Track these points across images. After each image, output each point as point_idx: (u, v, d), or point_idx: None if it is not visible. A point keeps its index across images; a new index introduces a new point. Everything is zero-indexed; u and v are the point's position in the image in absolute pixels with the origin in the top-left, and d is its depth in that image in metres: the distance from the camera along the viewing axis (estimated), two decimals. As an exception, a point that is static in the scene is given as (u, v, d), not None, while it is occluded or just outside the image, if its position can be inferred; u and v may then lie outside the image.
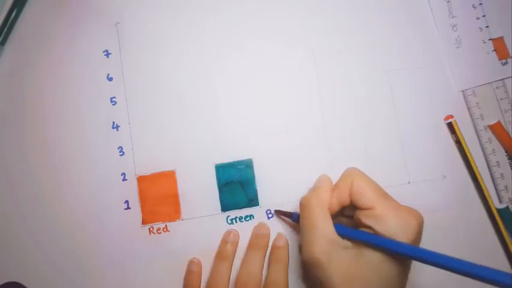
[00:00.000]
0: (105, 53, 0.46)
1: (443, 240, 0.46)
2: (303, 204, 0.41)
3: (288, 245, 0.45)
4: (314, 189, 0.42)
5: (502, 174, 0.47)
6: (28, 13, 0.47)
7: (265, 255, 0.45)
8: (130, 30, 0.46)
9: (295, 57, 0.47)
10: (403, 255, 0.37)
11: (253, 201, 0.46)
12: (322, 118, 0.47)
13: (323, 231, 0.39)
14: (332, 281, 0.37)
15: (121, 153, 0.45)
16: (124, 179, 0.45)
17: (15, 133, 0.45)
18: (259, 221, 0.45)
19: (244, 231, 0.45)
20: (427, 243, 0.43)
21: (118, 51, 0.46)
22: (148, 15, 0.47)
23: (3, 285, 0.43)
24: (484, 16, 0.48)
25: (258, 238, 0.45)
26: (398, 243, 0.37)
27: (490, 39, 0.48)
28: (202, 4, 0.47)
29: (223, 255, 0.44)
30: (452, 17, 0.48)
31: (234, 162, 0.46)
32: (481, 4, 0.48)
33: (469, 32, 0.48)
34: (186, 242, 0.45)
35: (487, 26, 0.48)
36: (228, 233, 0.45)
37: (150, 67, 0.46)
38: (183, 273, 0.44)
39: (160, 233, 0.45)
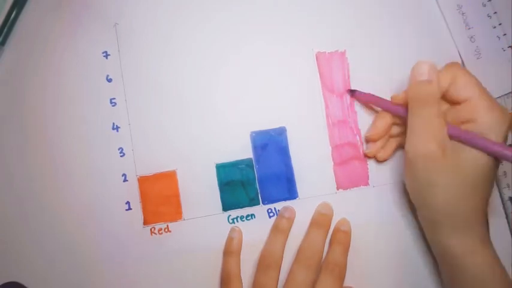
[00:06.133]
0: (104, 54, 0.46)
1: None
2: (417, 98, 0.41)
3: (351, 231, 0.45)
4: (429, 82, 0.40)
5: (504, 172, 0.47)
6: (28, 13, 0.47)
7: (327, 234, 0.45)
8: (129, 31, 0.46)
9: (295, 56, 0.47)
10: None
11: (254, 201, 0.45)
12: (322, 116, 0.47)
13: (439, 127, 0.40)
14: (436, 177, 0.39)
15: (121, 154, 0.45)
16: (125, 180, 0.45)
17: (15, 134, 0.45)
18: (260, 220, 0.45)
19: (246, 231, 0.45)
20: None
21: (117, 52, 0.46)
22: (146, 15, 0.47)
23: (3, 285, 0.43)
24: (500, 24, 0.48)
25: (321, 217, 0.45)
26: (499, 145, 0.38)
27: (509, 47, 0.48)
28: (201, 4, 0.47)
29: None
30: (469, 28, 0.48)
31: (235, 161, 0.46)
32: (495, 13, 0.48)
33: (488, 42, 0.48)
34: (187, 242, 0.45)
35: (505, 34, 0.48)
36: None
37: (150, 67, 0.46)
38: (185, 273, 0.45)
39: (161, 233, 0.45)
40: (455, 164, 0.39)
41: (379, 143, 0.46)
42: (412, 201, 0.43)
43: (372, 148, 0.46)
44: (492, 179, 0.41)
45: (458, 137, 0.40)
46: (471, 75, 0.41)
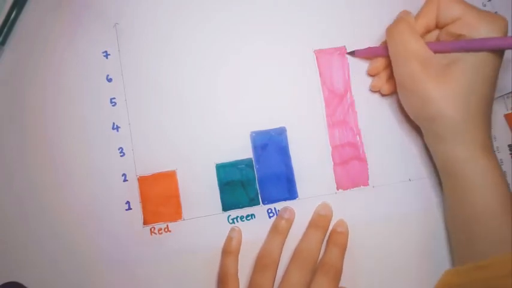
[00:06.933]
0: (104, 53, 0.46)
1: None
2: (390, 30, 0.43)
3: (348, 232, 0.45)
4: (398, 17, 0.44)
5: (505, 172, 0.47)
6: (28, 13, 0.47)
7: (324, 236, 0.45)
8: (129, 31, 0.46)
9: (295, 56, 0.47)
10: (499, 48, 0.40)
11: (254, 201, 0.45)
12: (322, 116, 0.47)
13: (416, 47, 0.41)
14: (428, 89, 0.41)
15: (121, 154, 0.45)
16: (125, 180, 0.45)
17: (15, 134, 0.45)
18: (260, 220, 0.45)
19: (246, 231, 0.45)
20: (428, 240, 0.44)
21: (117, 52, 0.46)
22: (146, 15, 0.47)
23: (3, 285, 0.43)
24: None
25: (320, 218, 0.45)
26: (493, 39, 0.39)
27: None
28: (201, 4, 0.47)
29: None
30: None
31: (235, 161, 0.46)
32: (495, 13, 0.48)
33: None
34: (187, 242, 0.45)
35: None
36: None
37: (150, 67, 0.46)
38: (185, 273, 0.44)
39: (161, 233, 0.45)
40: (446, 75, 0.40)
41: (382, 77, 0.46)
42: (414, 120, 0.44)
43: (376, 81, 0.47)
44: (491, 80, 0.41)
45: (445, 49, 0.41)
46: None
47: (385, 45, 0.45)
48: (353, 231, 0.45)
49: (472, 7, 0.41)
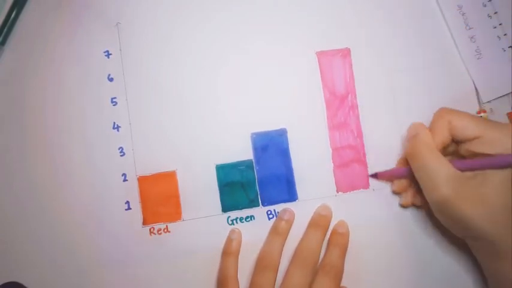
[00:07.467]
0: (106, 53, 0.46)
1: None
2: (410, 155, 0.42)
3: (349, 233, 0.45)
4: (415, 137, 0.43)
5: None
6: (28, 13, 0.46)
7: (324, 236, 0.45)
8: (131, 31, 0.46)
9: (296, 56, 0.47)
10: None
11: (254, 202, 0.45)
12: (323, 118, 0.47)
13: (443, 171, 0.40)
14: (465, 213, 0.39)
15: (121, 153, 0.45)
16: (125, 180, 0.45)
17: (15, 134, 0.45)
18: (260, 222, 0.45)
19: (245, 232, 0.45)
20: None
21: (119, 52, 0.46)
22: (148, 15, 0.47)
23: (3, 285, 0.43)
24: (500, 25, 0.48)
25: (320, 218, 0.45)
26: None
27: (509, 47, 0.48)
28: (202, 4, 0.47)
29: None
30: (469, 28, 0.48)
31: (235, 162, 0.46)
32: (496, 13, 0.48)
33: (488, 42, 0.48)
34: (187, 242, 0.45)
35: (505, 34, 0.48)
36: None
37: (151, 67, 0.46)
38: (184, 274, 0.45)
39: (161, 233, 0.45)
40: (481, 195, 0.39)
41: (410, 193, 0.46)
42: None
43: (406, 200, 0.46)
44: None
45: (473, 167, 0.40)
46: (465, 115, 0.41)
47: (408, 168, 0.43)
48: (353, 234, 0.45)
49: (488, 122, 0.40)
